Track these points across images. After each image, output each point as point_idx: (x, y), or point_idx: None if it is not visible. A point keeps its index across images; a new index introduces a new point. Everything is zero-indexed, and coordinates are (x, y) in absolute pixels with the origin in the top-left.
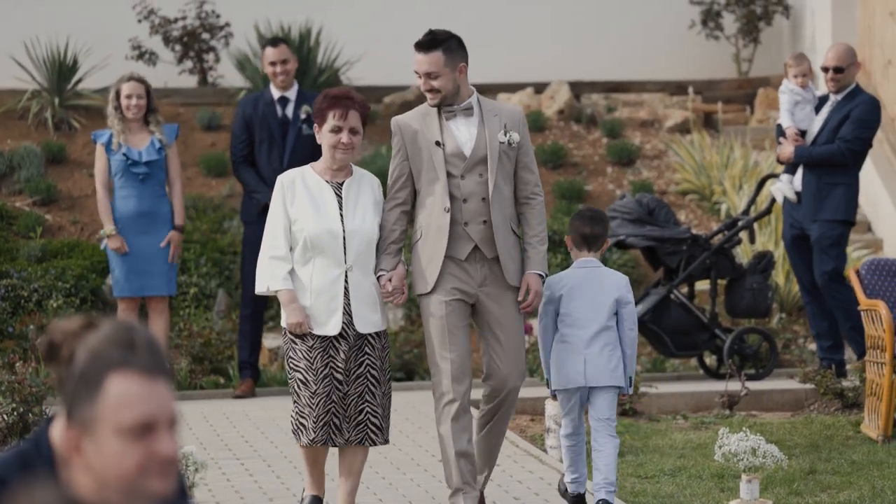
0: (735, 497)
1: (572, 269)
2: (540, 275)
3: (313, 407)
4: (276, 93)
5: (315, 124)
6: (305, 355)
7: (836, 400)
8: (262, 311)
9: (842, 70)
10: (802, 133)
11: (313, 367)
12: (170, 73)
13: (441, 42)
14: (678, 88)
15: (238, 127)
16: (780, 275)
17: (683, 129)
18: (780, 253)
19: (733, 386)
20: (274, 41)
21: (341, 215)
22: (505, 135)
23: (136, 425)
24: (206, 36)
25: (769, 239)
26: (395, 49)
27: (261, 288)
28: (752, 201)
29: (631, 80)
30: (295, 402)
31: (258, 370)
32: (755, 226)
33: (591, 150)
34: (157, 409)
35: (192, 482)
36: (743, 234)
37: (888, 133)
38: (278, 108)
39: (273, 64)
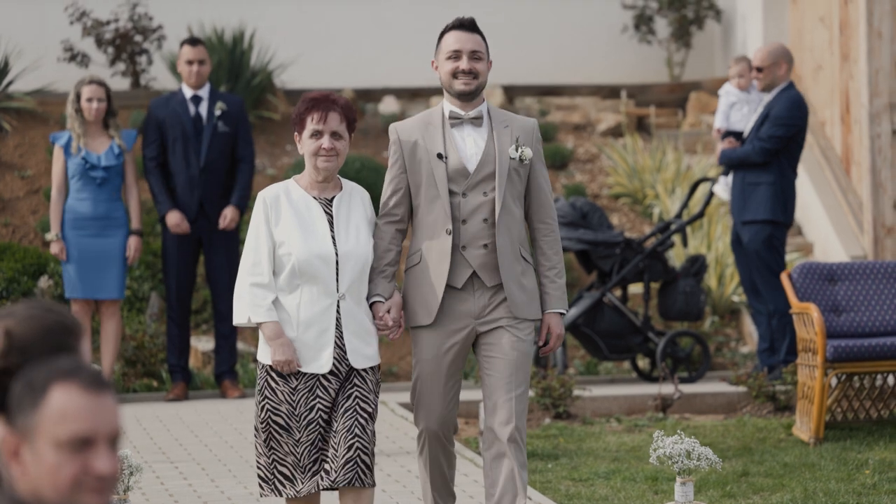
0: (669, 499)
1: None
2: (561, 314)
3: (298, 456)
4: (188, 92)
5: (295, 134)
6: (288, 398)
7: (768, 402)
8: (188, 313)
9: (762, 69)
10: (738, 134)
11: (296, 413)
12: (102, 76)
13: (480, 30)
14: (611, 92)
15: (149, 128)
16: (713, 278)
17: (616, 132)
18: (712, 256)
19: (666, 389)
20: (193, 40)
21: (333, 236)
22: (517, 150)
23: (74, 439)
24: (138, 38)
25: (702, 242)
26: (329, 52)
27: (240, 319)
28: (685, 205)
29: (564, 83)
30: (272, 448)
31: (189, 372)
32: (688, 229)
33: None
34: (97, 425)
35: (127, 486)
36: (676, 238)
37: (818, 137)
38: (191, 107)
39: (190, 63)
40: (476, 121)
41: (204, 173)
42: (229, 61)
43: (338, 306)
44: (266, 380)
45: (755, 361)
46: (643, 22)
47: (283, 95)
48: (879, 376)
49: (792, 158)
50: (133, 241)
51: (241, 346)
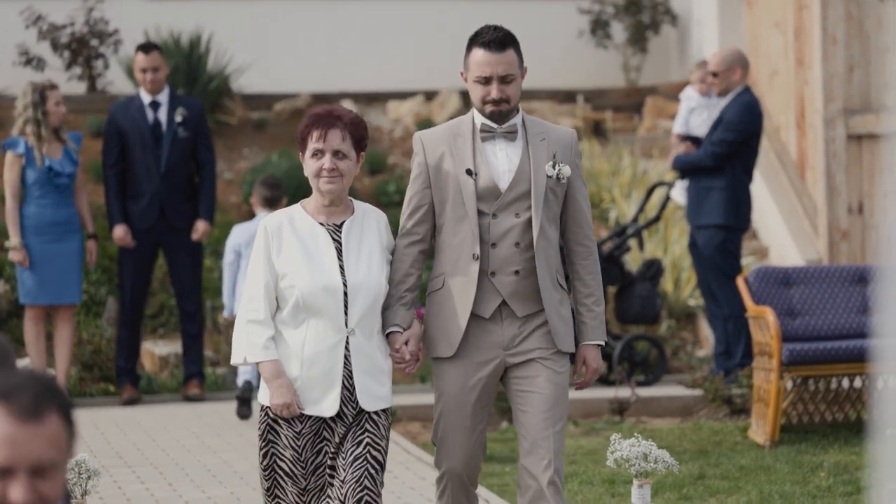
0: (626, 502)
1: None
2: (599, 345)
3: None
4: (146, 97)
5: (300, 153)
6: (292, 443)
7: (724, 406)
8: (140, 317)
9: (717, 74)
10: (698, 139)
11: (302, 459)
12: (58, 80)
13: (512, 39)
14: (567, 97)
15: (109, 134)
16: (669, 282)
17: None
18: (668, 260)
19: (623, 392)
20: (146, 47)
21: (341, 266)
22: (554, 167)
23: None
24: (94, 42)
25: (658, 246)
26: (286, 56)
27: (237, 359)
28: (641, 209)
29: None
30: (276, 496)
31: (136, 375)
32: (644, 233)
33: None
34: (17, 455)
35: (84, 490)
36: (632, 242)
37: (774, 142)
38: (150, 113)
39: (144, 70)
40: (510, 134)
41: (165, 179)
42: (186, 66)
43: (346, 343)
44: (267, 423)
45: (711, 365)
46: (599, 27)
47: (239, 100)
48: (834, 379)
49: (746, 163)
50: (91, 245)
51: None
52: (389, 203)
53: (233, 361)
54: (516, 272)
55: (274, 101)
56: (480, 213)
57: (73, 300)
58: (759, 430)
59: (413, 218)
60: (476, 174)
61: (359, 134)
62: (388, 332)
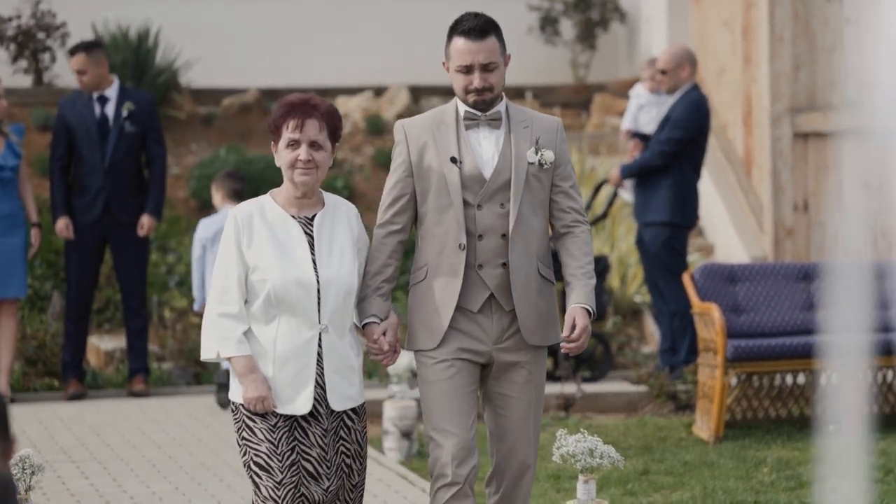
0: (571, 498)
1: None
2: (588, 310)
3: (280, 500)
4: (95, 92)
5: (272, 143)
6: (267, 435)
7: (668, 402)
8: (88, 312)
9: (665, 72)
10: (645, 136)
11: (278, 451)
12: (4, 73)
13: (494, 26)
14: (516, 93)
15: (58, 128)
16: (615, 278)
17: None
18: (615, 257)
19: (569, 388)
20: (73, 49)
21: (314, 260)
22: (536, 153)
23: None
24: (41, 35)
25: (605, 243)
26: (235, 50)
27: (209, 354)
28: (589, 206)
29: None
30: (256, 493)
31: (82, 370)
32: (591, 230)
33: None
34: None
35: (28, 486)
36: None
37: (721, 139)
38: (97, 108)
39: (77, 72)
40: (494, 122)
41: (109, 174)
42: (134, 60)
43: (319, 339)
44: (242, 420)
45: (656, 361)
46: (549, 23)
47: (188, 94)
48: (778, 376)
49: (693, 161)
50: (35, 233)
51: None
52: None
53: (203, 356)
54: (503, 264)
55: (222, 96)
56: (465, 204)
57: (18, 294)
58: (704, 426)
59: (393, 207)
60: (461, 162)
61: (334, 124)
62: (364, 322)
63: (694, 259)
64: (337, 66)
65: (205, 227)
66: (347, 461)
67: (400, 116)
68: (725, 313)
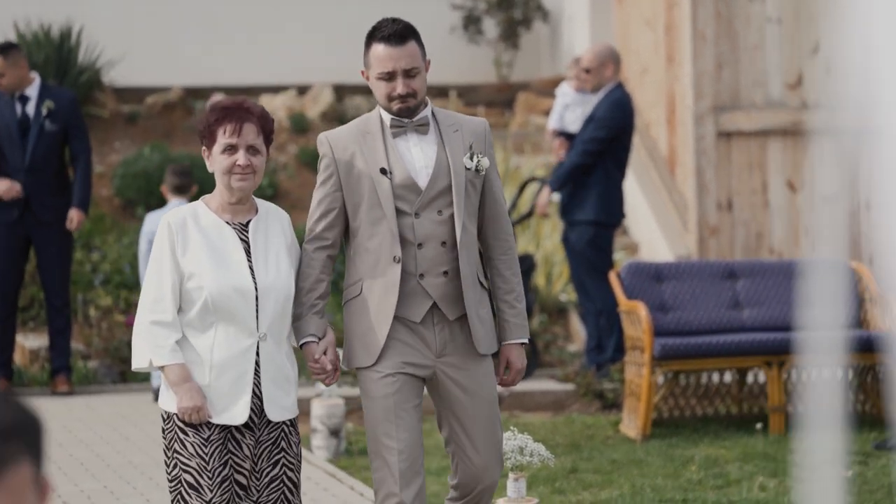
0: (501, 496)
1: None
2: (523, 344)
3: None
4: (15, 91)
5: (203, 149)
6: (199, 450)
7: (595, 400)
8: (13, 310)
9: (589, 71)
10: (571, 135)
11: (209, 468)
12: None
13: (412, 31)
14: (440, 92)
15: None
16: (541, 277)
17: None
18: (540, 255)
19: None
20: None
21: (251, 267)
22: (472, 158)
23: None
24: None
25: (530, 242)
26: (158, 49)
27: (140, 363)
28: (514, 205)
29: None
30: None
31: (11, 369)
32: (516, 228)
33: None
34: None
35: None
36: None
37: (644, 138)
38: (17, 107)
39: None
40: (421, 128)
41: (30, 173)
42: (56, 58)
43: (257, 348)
44: (175, 431)
45: (583, 360)
46: (472, 22)
47: (111, 93)
48: (705, 374)
49: (617, 159)
50: None
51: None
52: (262, 197)
53: (135, 366)
54: (445, 273)
55: (145, 95)
56: (400, 213)
57: None
58: (631, 424)
59: (322, 222)
60: (391, 173)
61: (269, 128)
62: (302, 342)
63: (619, 257)
64: (260, 65)
65: (151, 220)
66: (290, 474)
67: (324, 115)
68: (652, 311)
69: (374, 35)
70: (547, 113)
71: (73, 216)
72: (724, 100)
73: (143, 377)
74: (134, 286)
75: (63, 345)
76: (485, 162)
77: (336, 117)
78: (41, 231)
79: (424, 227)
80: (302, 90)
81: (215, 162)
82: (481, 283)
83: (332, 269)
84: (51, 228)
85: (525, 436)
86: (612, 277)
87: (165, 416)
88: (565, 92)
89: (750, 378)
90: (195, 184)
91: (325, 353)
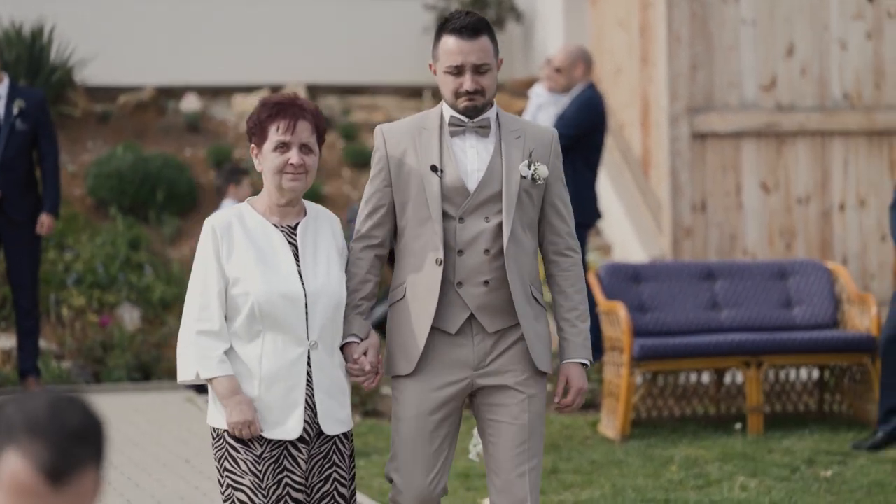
0: (483, 496)
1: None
2: (584, 364)
3: None
4: None
5: (252, 146)
6: (252, 468)
7: None
8: None
9: (560, 71)
10: None
11: (263, 486)
12: None
13: (486, 25)
14: (413, 92)
15: None
16: None
17: None
18: None
19: None
20: None
21: (299, 271)
22: (529, 166)
23: None
24: None
25: None
26: (130, 48)
27: (186, 375)
28: None
29: (366, 83)
30: None
31: None
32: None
33: (328, 152)
34: None
35: None
36: None
37: (618, 139)
38: None
39: None
40: (482, 129)
41: (1, 172)
42: (28, 56)
43: (308, 357)
44: (225, 449)
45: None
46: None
47: (83, 92)
48: (683, 374)
49: (586, 159)
50: None
51: (42, 343)
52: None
53: (180, 378)
54: (486, 283)
55: (118, 94)
56: (446, 216)
57: None
58: (610, 424)
59: (371, 219)
60: (442, 171)
61: (322, 126)
62: (344, 342)
63: (593, 258)
64: (234, 64)
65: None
66: (341, 490)
67: None
68: (631, 312)
69: (446, 26)
70: (520, 113)
71: (45, 221)
72: (699, 101)
73: (118, 377)
74: (107, 286)
75: (31, 347)
76: (542, 170)
77: None
78: (11, 231)
79: (468, 233)
80: (275, 90)
81: (266, 160)
82: (535, 299)
83: (380, 269)
84: (21, 228)
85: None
86: (591, 278)
87: (215, 434)
88: (539, 93)
89: (728, 379)
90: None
91: (364, 354)
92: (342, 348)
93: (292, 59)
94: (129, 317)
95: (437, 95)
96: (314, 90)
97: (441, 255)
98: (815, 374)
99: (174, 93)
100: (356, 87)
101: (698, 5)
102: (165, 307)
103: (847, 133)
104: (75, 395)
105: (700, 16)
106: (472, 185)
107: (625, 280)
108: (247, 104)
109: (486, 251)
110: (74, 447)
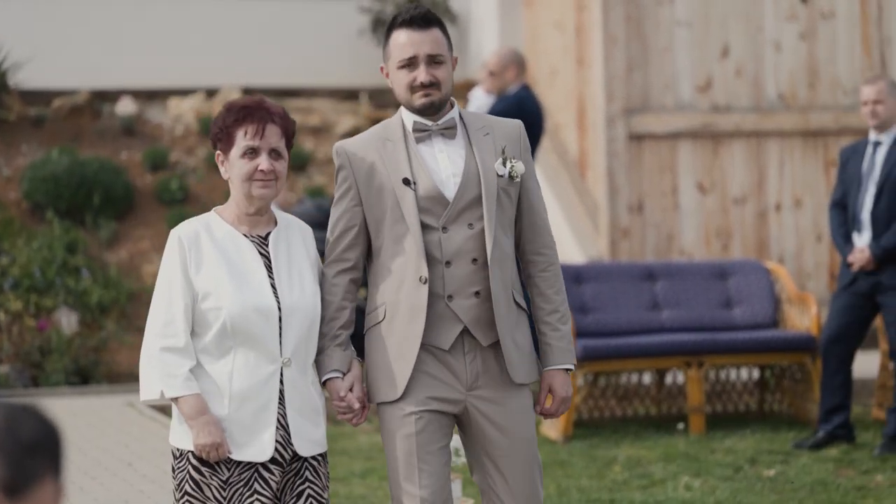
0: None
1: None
2: (567, 370)
3: None
4: None
5: (217, 153)
6: (217, 494)
7: None
8: None
9: (493, 73)
10: None
11: None
12: None
13: (437, 19)
14: (349, 95)
15: None
16: None
17: (355, 134)
18: None
19: None
20: None
21: (273, 285)
22: (505, 164)
23: None
24: None
25: None
26: (65, 52)
27: (150, 394)
28: None
29: (302, 85)
30: None
31: None
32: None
33: None
34: None
35: None
36: None
37: (554, 141)
38: None
39: None
40: (448, 131)
41: None
42: None
43: (281, 375)
44: (188, 471)
45: None
46: (380, 25)
47: (17, 95)
48: (625, 375)
49: None
50: None
51: None
52: (172, 200)
53: (143, 397)
54: (476, 293)
55: (52, 97)
56: (426, 228)
57: None
58: (553, 425)
59: (342, 241)
60: (415, 183)
61: (291, 130)
62: (325, 378)
63: None
64: (168, 67)
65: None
66: None
67: None
68: (572, 313)
69: (394, 22)
70: None
71: None
72: (635, 102)
73: (56, 381)
74: (44, 290)
75: None
76: (519, 167)
77: None
78: None
79: (453, 243)
80: (210, 93)
81: (233, 167)
82: (518, 304)
83: (355, 294)
84: None
85: (457, 437)
86: None
87: (178, 453)
88: (477, 96)
89: (669, 379)
90: None
91: (350, 390)
92: (324, 384)
93: (227, 61)
94: (67, 321)
95: (373, 98)
96: (249, 93)
97: (425, 272)
98: (756, 373)
99: (109, 96)
100: (292, 90)
101: (633, 7)
102: (103, 311)
103: (782, 134)
104: (28, 404)
105: (635, 18)
106: (450, 193)
107: (566, 281)
108: (183, 107)
109: (474, 260)
110: (29, 459)
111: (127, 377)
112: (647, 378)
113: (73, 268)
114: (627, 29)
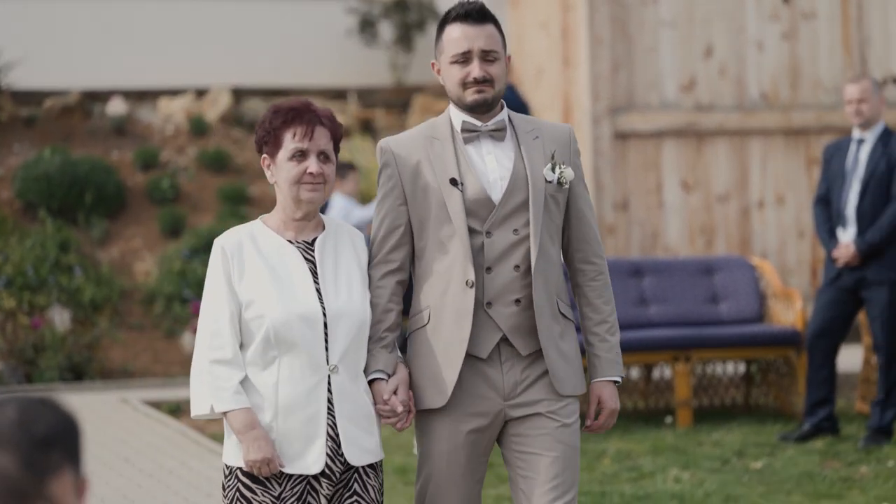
0: None
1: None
2: (616, 382)
3: None
4: None
5: (263, 157)
6: None
7: None
8: None
9: None
10: None
11: None
12: None
13: (492, 15)
14: (337, 94)
15: None
16: None
17: (344, 134)
18: None
19: None
20: None
21: (318, 291)
22: (554, 169)
23: None
24: None
25: None
26: (56, 52)
27: (201, 409)
28: None
29: (291, 85)
30: None
31: None
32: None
33: (253, 154)
34: None
35: None
36: None
37: None
38: None
39: None
40: (497, 133)
41: None
42: None
43: (329, 383)
44: (237, 489)
45: None
46: (367, 26)
47: (9, 95)
48: None
49: None
50: None
51: None
52: (163, 199)
53: (194, 413)
54: (517, 301)
55: (44, 98)
56: (471, 232)
57: None
58: None
59: (388, 242)
60: (462, 184)
61: (339, 134)
62: (369, 378)
63: None
64: (158, 68)
65: (358, 218)
66: None
67: (222, 118)
68: None
69: (448, 16)
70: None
71: None
72: (620, 101)
73: (50, 377)
74: (37, 288)
75: None
76: (568, 173)
77: (234, 120)
78: None
79: (496, 249)
80: (200, 93)
81: (281, 170)
82: (563, 314)
83: (402, 296)
84: None
85: None
86: None
87: (227, 471)
88: None
89: (657, 373)
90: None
91: (395, 393)
92: (370, 385)
93: (217, 61)
94: (60, 318)
95: (360, 97)
96: (239, 93)
97: (472, 276)
98: (742, 367)
99: (100, 96)
100: (281, 90)
101: (619, 8)
102: (96, 308)
103: (765, 132)
104: (45, 398)
105: (620, 18)
106: (496, 196)
107: None
108: (173, 107)
109: (517, 267)
110: (44, 454)
111: (120, 373)
112: (635, 372)
113: (66, 266)
114: (613, 29)
